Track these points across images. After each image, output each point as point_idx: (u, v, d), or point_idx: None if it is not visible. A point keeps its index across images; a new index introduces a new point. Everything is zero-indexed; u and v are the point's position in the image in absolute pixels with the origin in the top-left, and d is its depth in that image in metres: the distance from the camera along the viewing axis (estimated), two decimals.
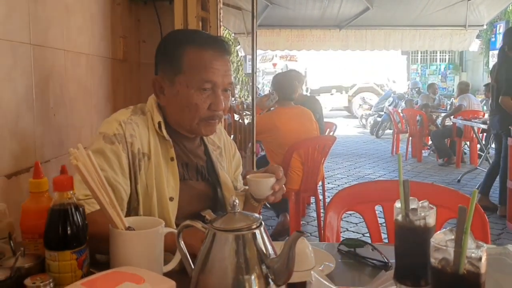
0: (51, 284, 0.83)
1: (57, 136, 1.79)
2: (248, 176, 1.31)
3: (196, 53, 1.33)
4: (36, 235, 0.99)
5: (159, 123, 1.35)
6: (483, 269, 0.75)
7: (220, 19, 2.34)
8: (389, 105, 10.77)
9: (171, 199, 1.33)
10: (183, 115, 1.35)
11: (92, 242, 0.95)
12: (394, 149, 8.58)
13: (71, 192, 0.91)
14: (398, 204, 0.97)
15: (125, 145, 1.28)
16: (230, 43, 1.68)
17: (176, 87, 1.34)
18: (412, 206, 0.96)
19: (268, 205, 4.19)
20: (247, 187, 1.57)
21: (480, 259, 0.74)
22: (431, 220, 0.95)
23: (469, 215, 0.74)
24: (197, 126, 1.36)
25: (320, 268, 1.05)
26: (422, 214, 0.94)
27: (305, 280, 0.97)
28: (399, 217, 0.97)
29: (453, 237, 0.77)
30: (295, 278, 1.01)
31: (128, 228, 0.96)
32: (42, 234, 0.91)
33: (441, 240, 0.78)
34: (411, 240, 0.96)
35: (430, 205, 0.98)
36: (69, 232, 0.88)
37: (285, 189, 1.35)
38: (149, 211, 1.30)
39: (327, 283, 0.81)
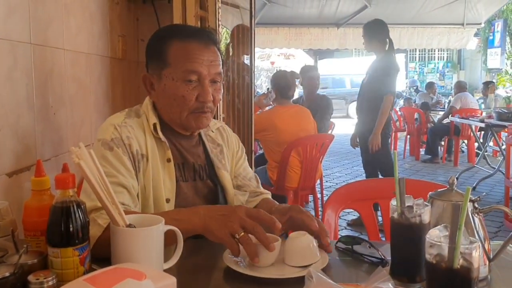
0: (54, 280, 0.85)
1: (57, 134, 1.81)
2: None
3: (180, 45, 1.33)
4: (38, 232, 1.00)
5: (154, 125, 1.35)
6: (476, 264, 0.77)
7: (219, 18, 2.35)
8: None
9: (167, 200, 1.32)
10: (172, 108, 1.35)
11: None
12: (392, 147, 8.60)
13: (73, 190, 0.92)
14: (394, 202, 0.99)
15: (124, 148, 1.28)
16: (215, 33, 1.67)
17: (163, 81, 1.34)
18: (407, 203, 0.98)
19: None
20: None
21: (473, 254, 0.76)
22: (426, 217, 0.97)
23: (462, 212, 0.76)
24: (186, 119, 1.35)
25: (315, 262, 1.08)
26: (417, 212, 0.96)
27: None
28: (395, 215, 0.99)
29: (447, 233, 0.79)
30: (302, 272, 1.03)
31: (129, 226, 0.98)
32: (44, 231, 0.92)
33: (436, 236, 0.80)
34: (407, 237, 0.98)
35: (424, 202, 1.00)
36: (71, 229, 0.89)
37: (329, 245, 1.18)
38: (146, 212, 1.29)
39: (327, 279, 0.83)
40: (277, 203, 1.44)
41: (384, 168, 4.16)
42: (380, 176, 4.19)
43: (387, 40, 4.07)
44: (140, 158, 1.31)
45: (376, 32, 4.08)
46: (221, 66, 1.38)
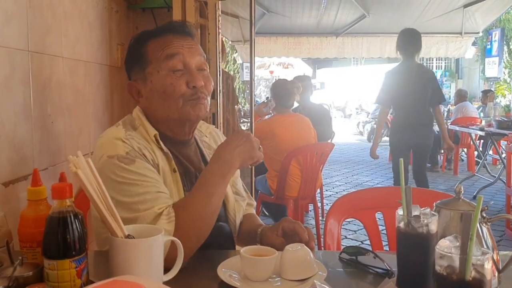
0: None
1: (55, 143, 1.78)
2: (241, 251, 1.08)
3: (157, 41, 1.32)
4: (34, 243, 0.98)
5: (155, 136, 1.31)
6: (488, 276, 0.74)
7: (219, 27, 2.34)
8: None
9: None
10: (165, 102, 1.29)
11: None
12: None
13: (70, 199, 0.89)
14: (400, 211, 0.97)
15: (142, 158, 1.23)
16: (191, 26, 1.65)
17: (148, 80, 1.31)
18: (414, 213, 0.96)
19: (266, 212, 4.18)
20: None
21: (485, 265, 0.74)
22: (434, 227, 0.94)
23: (474, 222, 0.74)
24: (183, 108, 1.29)
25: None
26: (425, 221, 0.93)
27: None
28: (402, 224, 0.96)
29: (458, 244, 0.77)
30: (299, 286, 1.01)
31: (128, 236, 0.95)
32: (40, 242, 0.90)
33: (447, 247, 0.78)
34: (414, 247, 0.95)
35: (432, 212, 0.97)
36: (68, 240, 0.87)
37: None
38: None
39: None
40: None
41: None
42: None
43: (399, 51, 4.23)
44: (156, 167, 1.27)
45: (398, 41, 4.27)
46: (203, 56, 1.36)
